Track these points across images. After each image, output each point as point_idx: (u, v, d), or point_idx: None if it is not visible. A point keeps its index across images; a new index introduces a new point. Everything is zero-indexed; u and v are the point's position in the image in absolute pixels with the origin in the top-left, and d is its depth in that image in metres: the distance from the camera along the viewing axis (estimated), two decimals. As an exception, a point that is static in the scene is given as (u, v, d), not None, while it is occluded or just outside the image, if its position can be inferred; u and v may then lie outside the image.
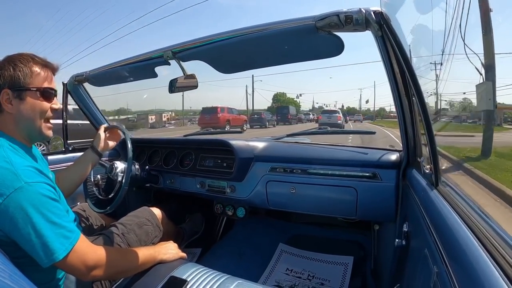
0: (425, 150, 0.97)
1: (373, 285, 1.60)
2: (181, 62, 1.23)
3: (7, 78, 0.88)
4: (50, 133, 1.00)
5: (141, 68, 1.35)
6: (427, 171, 0.93)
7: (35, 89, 0.92)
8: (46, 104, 0.96)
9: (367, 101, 71.94)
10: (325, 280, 1.66)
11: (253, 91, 41.84)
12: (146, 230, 1.37)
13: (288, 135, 2.06)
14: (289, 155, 1.65)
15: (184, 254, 1.22)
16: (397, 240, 1.03)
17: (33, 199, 0.78)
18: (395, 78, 1.04)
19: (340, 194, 1.47)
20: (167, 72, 1.43)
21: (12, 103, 0.89)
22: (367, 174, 1.39)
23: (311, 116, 41.55)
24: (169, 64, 1.26)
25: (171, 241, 1.29)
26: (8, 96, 0.89)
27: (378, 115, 71.38)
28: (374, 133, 1.96)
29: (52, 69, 0.98)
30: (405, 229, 1.03)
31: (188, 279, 0.98)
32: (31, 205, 0.78)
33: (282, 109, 31.36)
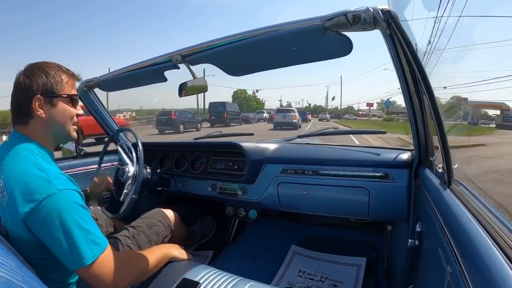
0: (437, 149, 0.96)
1: (386, 286, 1.58)
2: (190, 65, 1.24)
3: (40, 85, 0.91)
4: (75, 134, 1.04)
5: (151, 72, 1.36)
6: (440, 170, 0.92)
7: (65, 95, 0.96)
8: (73, 110, 1.00)
9: (333, 98, 68.61)
10: (338, 281, 1.64)
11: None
12: (156, 231, 1.39)
13: (299, 136, 2.06)
14: (300, 156, 1.64)
15: (189, 255, 1.26)
16: (410, 240, 1.02)
17: (65, 205, 0.81)
18: (405, 76, 1.03)
19: (352, 195, 1.46)
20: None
21: (43, 108, 0.92)
22: (379, 174, 1.38)
23: (264, 114, 35.79)
24: (178, 68, 1.26)
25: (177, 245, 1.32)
26: (40, 102, 0.91)
27: (346, 113, 69.91)
28: (384, 132, 1.94)
29: (74, 77, 1.02)
30: (418, 229, 1.01)
31: (200, 281, 0.99)
32: (63, 211, 0.80)
33: (216, 106, 23.73)
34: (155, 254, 1.09)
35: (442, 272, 0.64)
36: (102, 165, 1.72)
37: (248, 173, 1.66)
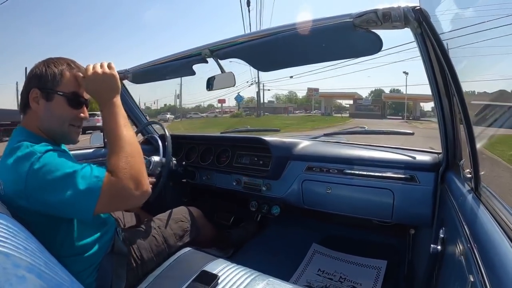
0: (465, 153, 0.93)
1: None
2: (218, 60, 1.25)
3: (37, 78, 0.89)
4: (76, 138, 0.98)
5: (180, 66, 1.38)
6: (467, 175, 0.88)
7: (61, 93, 0.90)
8: (72, 111, 0.93)
9: (178, 96, 62.32)
10: (357, 283, 1.62)
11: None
12: (181, 226, 1.40)
13: (325, 135, 2.04)
14: (325, 154, 1.63)
15: None
16: (432, 246, 0.99)
17: (49, 165, 0.77)
18: (435, 77, 1.00)
19: (376, 196, 1.43)
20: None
21: (39, 102, 0.89)
22: (405, 176, 1.35)
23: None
24: (206, 62, 1.29)
25: None
26: (36, 95, 0.89)
27: (199, 111, 66.27)
28: (412, 133, 1.89)
29: None
30: (441, 235, 0.98)
31: (219, 274, 1.01)
32: (50, 170, 0.77)
33: None
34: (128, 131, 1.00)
35: (464, 281, 0.62)
36: None
37: (273, 169, 1.67)
